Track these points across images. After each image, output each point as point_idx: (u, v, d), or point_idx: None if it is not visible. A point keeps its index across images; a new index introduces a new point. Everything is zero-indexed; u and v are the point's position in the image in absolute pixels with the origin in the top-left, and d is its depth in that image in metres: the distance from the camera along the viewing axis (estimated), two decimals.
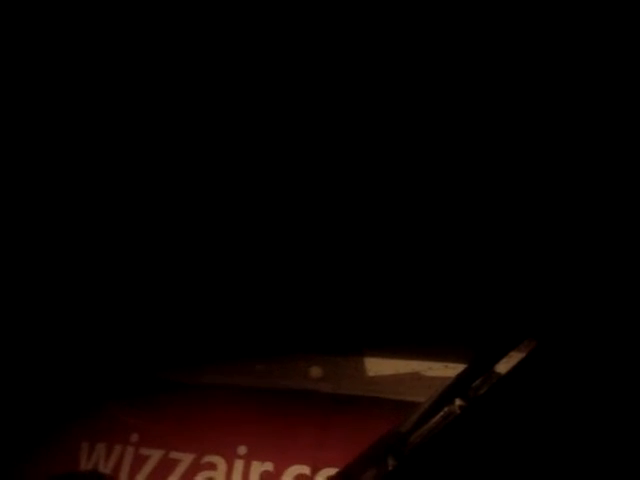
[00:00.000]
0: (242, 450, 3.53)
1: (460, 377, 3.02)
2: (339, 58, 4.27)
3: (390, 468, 2.77)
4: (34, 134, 4.66)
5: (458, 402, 2.85)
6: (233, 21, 4.38)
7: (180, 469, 3.58)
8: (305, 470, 3.48)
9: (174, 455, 3.61)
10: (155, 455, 3.63)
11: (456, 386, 2.95)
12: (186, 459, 3.58)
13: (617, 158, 3.89)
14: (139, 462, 3.63)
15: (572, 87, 3.94)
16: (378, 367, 3.71)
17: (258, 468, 3.50)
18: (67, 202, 4.66)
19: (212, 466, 3.55)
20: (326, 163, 4.37)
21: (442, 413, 2.86)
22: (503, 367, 2.93)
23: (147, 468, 3.62)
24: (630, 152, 3.85)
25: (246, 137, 4.50)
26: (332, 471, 3.35)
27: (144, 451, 3.65)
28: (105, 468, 3.69)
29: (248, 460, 3.51)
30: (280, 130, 4.43)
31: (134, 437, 3.70)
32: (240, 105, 4.46)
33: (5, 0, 4.41)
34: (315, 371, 3.77)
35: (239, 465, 3.52)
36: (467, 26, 4.06)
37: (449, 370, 3.33)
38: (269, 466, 3.50)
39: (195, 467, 3.57)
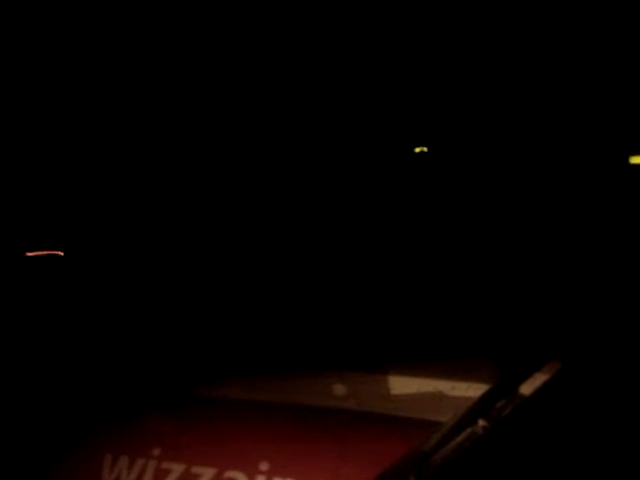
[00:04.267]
0: (264, 466, 3.52)
1: (484, 397, 2.99)
2: (339, 58, 4.26)
3: None
4: (34, 134, 4.69)
5: (481, 423, 2.82)
6: (233, 21, 4.39)
7: None
8: None
9: (195, 469, 3.60)
10: (177, 469, 3.62)
11: (479, 406, 2.92)
12: (207, 473, 3.57)
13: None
14: (161, 476, 3.63)
15: (572, 87, 3.91)
16: (402, 386, 3.69)
17: None
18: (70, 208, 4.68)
19: None
20: (325, 174, 4.36)
21: (465, 433, 2.83)
22: (527, 388, 2.90)
23: None
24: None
25: (245, 138, 4.50)
26: None
27: (166, 465, 3.65)
28: None
29: (269, 476, 3.49)
30: (279, 131, 4.42)
31: (156, 450, 3.69)
32: (240, 107, 4.46)
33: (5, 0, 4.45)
34: (339, 388, 3.75)
35: None
36: (467, 26, 4.04)
37: (473, 390, 3.31)
38: None
39: None
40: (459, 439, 2.81)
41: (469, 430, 2.82)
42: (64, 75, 4.60)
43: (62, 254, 4.64)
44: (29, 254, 4.62)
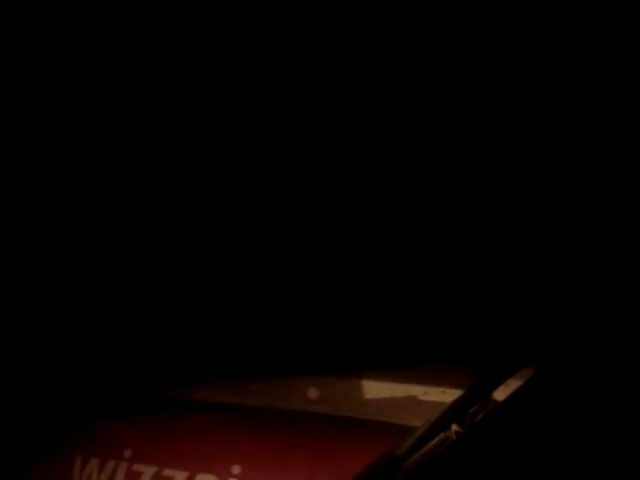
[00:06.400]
0: (236, 469, 3.51)
1: (457, 403, 3.00)
2: (339, 58, 4.27)
3: None
4: (34, 134, 4.67)
5: (454, 428, 2.84)
6: (233, 21, 4.39)
7: None
8: None
9: (167, 472, 3.58)
10: (148, 471, 3.60)
11: (453, 412, 2.93)
12: (179, 476, 3.55)
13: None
14: (132, 478, 3.61)
15: (572, 87, 3.93)
16: (375, 390, 3.69)
17: None
18: (68, 210, 4.67)
19: None
20: (318, 177, 4.37)
21: (438, 438, 2.84)
22: (501, 394, 2.92)
23: None
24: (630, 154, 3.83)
25: (246, 137, 4.49)
26: None
27: (137, 467, 3.63)
28: None
29: (241, 479, 3.48)
30: (279, 130, 4.42)
31: (128, 452, 3.67)
32: (240, 105, 4.46)
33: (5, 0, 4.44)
34: (313, 392, 3.75)
35: None
36: (467, 26, 4.06)
37: (446, 395, 3.31)
38: None
39: None
40: (432, 444, 2.82)
41: (442, 435, 2.83)
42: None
43: None
44: None
